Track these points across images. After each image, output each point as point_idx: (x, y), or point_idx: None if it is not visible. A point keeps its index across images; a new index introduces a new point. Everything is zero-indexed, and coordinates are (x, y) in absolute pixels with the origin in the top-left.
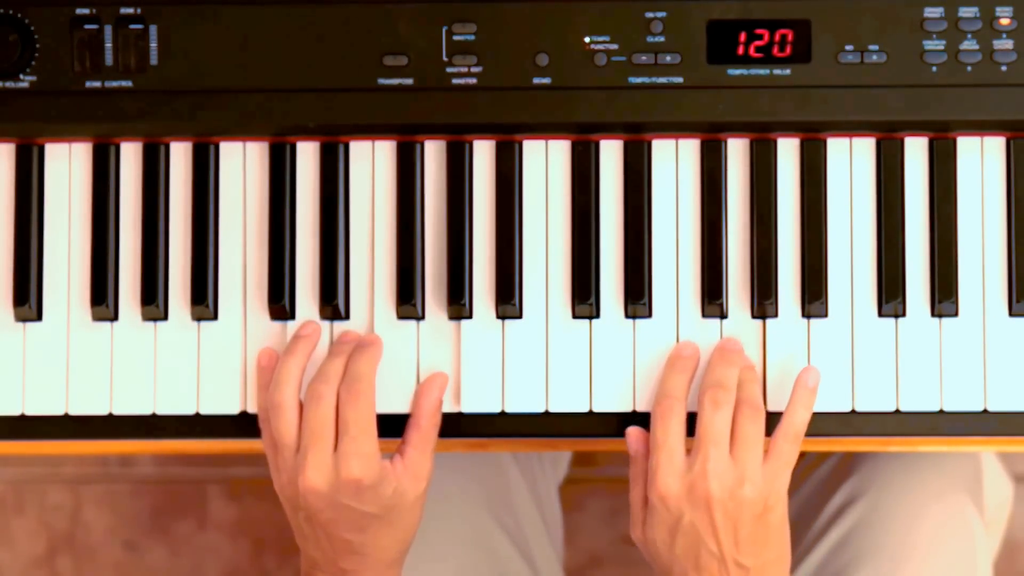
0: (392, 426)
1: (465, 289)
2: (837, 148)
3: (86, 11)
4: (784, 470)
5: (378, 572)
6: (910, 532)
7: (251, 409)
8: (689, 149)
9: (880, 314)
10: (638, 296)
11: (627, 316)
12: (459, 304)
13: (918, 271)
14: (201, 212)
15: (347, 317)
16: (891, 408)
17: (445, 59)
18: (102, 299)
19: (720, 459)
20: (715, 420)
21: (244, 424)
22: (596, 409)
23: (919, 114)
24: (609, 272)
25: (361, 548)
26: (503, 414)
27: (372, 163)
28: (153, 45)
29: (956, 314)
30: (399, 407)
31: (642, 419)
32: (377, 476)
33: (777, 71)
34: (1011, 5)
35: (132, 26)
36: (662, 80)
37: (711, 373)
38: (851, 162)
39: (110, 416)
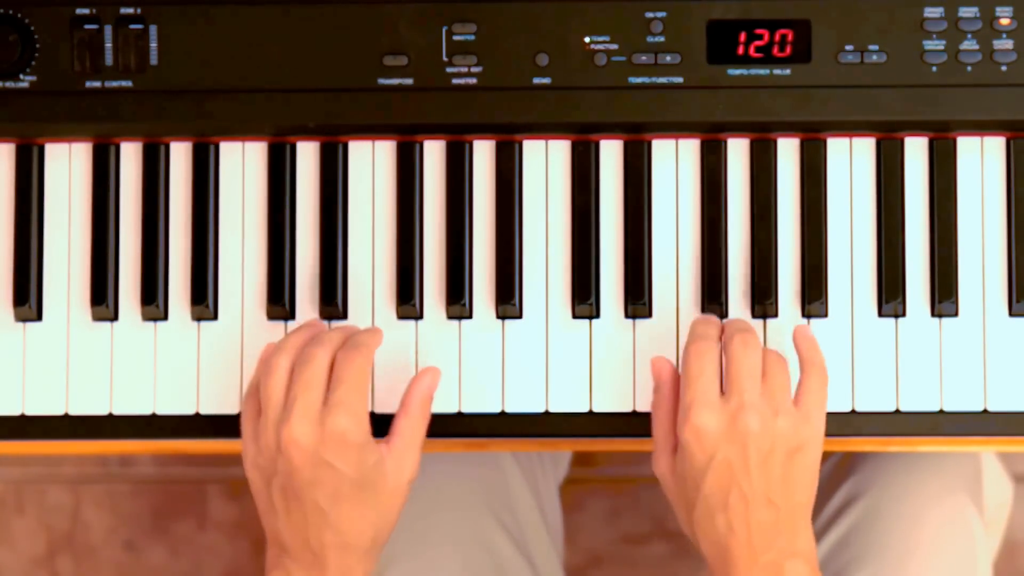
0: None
1: (465, 289)
2: (837, 148)
3: (86, 11)
4: (818, 411)
5: (349, 560)
6: (910, 532)
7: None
8: (689, 149)
9: (880, 314)
10: (638, 296)
11: (627, 316)
12: (459, 304)
13: (918, 271)
14: (201, 212)
15: (346, 317)
16: (891, 408)
17: (445, 59)
18: (102, 299)
19: (755, 394)
20: (747, 357)
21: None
22: (596, 409)
23: (919, 114)
24: (609, 272)
25: (336, 522)
26: (503, 414)
27: (372, 163)
28: (153, 45)
29: (956, 314)
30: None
31: (642, 419)
32: (364, 436)
33: (777, 71)
34: (1011, 5)
35: (132, 26)
36: (662, 80)
37: (731, 323)
38: (851, 162)
39: (110, 416)
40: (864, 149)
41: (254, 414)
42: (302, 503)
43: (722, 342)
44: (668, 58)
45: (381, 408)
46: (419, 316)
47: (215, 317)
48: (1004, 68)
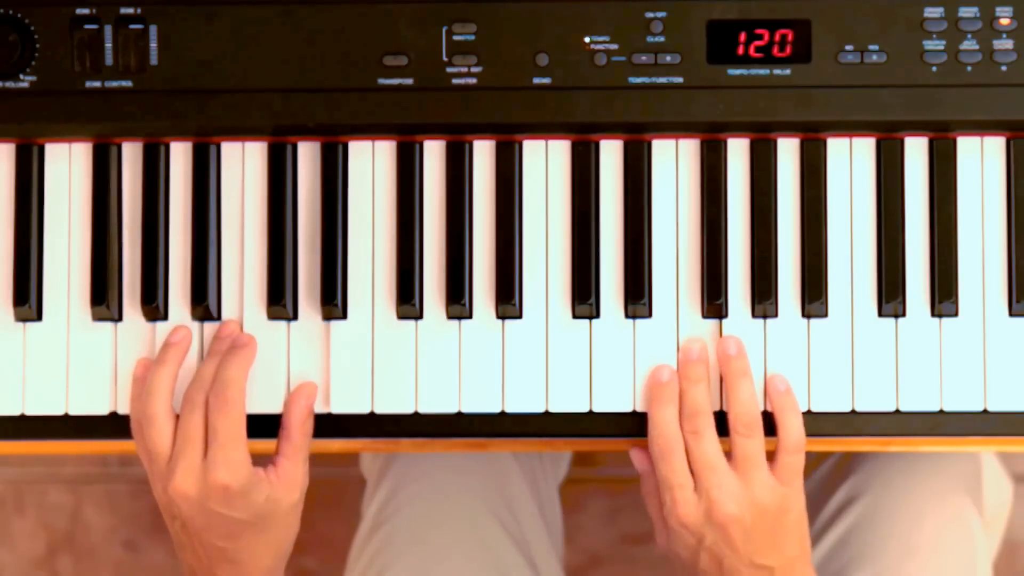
0: (391, 426)
1: (465, 289)
2: (837, 148)
3: (86, 11)
4: (794, 478)
5: None
6: (910, 532)
7: (248, 410)
8: (689, 149)
9: (880, 314)
10: (638, 296)
11: (627, 316)
12: (459, 304)
13: (918, 271)
14: (201, 212)
15: (346, 317)
16: (891, 408)
17: (445, 59)
18: (102, 299)
19: (723, 483)
20: (702, 449)
21: (247, 424)
22: (596, 409)
23: (919, 114)
24: (609, 272)
25: (235, 555)
26: (503, 414)
27: (372, 163)
28: (153, 45)
29: (956, 314)
30: (402, 407)
31: (642, 419)
32: (246, 483)
33: (777, 71)
34: (1011, 5)
35: (132, 26)
36: (662, 80)
37: (683, 399)
38: (851, 162)
39: (110, 416)
40: (864, 149)
41: (147, 454)
42: (202, 542)
43: (680, 420)
44: (668, 58)
45: (382, 408)
46: (419, 316)
47: (216, 317)
48: (1004, 68)
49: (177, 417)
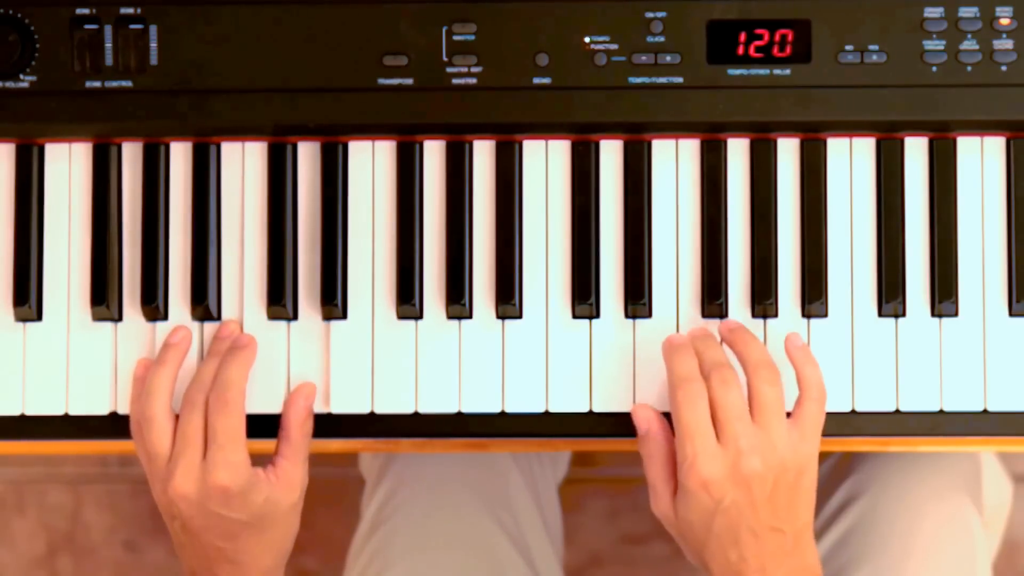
0: (391, 426)
1: (465, 289)
2: (837, 148)
3: (86, 11)
4: (813, 431)
5: None
6: (909, 532)
7: (248, 410)
8: (689, 149)
9: (880, 314)
10: (638, 296)
11: (627, 316)
12: (459, 304)
13: (918, 271)
14: (201, 212)
15: (346, 317)
16: (891, 408)
17: (445, 59)
18: (102, 299)
19: (750, 433)
20: (730, 397)
21: (247, 424)
22: (596, 409)
23: (919, 114)
24: (609, 272)
25: (234, 555)
26: (503, 414)
27: (372, 163)
28: (153, 45)
29: (956, 314)
30: (402, 407)
31: None
32: (245, 484)
33: (777, 71)
34: (1011, 5)
35: (132, 26)
36: (662, 80)
37: (704, 355)
38: (851, 162)
39: (110, 416)
40: (864, 149)
41: (146, 455)
42: (202, 543)
43: (703, 374)
44: (668, 58)
45: (382, 408)
46: (419, 316)
47: (216, 317)
48: (1004, 68)
49: (177, 418)
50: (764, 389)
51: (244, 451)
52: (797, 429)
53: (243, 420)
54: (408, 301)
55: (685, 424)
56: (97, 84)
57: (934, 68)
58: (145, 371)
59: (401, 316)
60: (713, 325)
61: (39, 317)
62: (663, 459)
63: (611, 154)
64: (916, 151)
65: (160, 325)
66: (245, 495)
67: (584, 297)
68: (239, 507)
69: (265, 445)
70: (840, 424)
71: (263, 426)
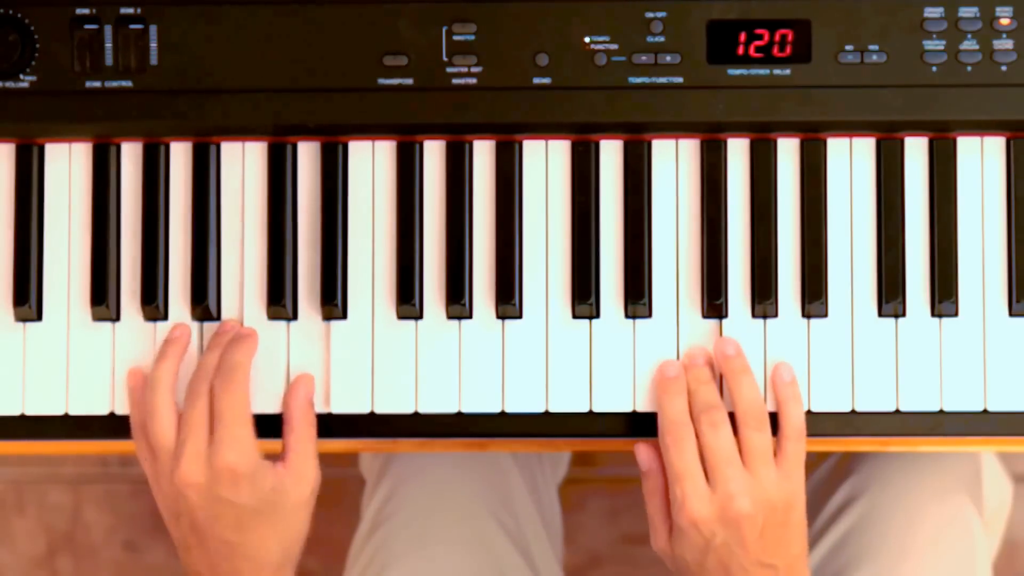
0: (391, 426)
1: (465, 289)
2: (837, 148)
3: (86, 11)
4: (797, 469)
5: None
6: (910, 532)
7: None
8: (689, 149)
9: (880, 314)
10: (638, 296)
11: (627, 316)
12: (459, 304)
13: (918, 271)
14: (201, 212)
15: (346, 317)
16: (891, 408)
17: (445, 59)
18: (102, 299)
19: (739, 477)
20: (719, 441)
21: None
22: (596, 409)
23: (919, 114)
24: (609, 272)
25: (242, 550)
26: (503, 414)
27: (372, 163)
28: (153, 45)
29: (956, 314)
30: (402, 407)
31: (642, 419)
32: (253, 464)
33: (777, 71)
34: (1011, 5)
35: (132, 26)
36: (662, 80)
37: (696, 397)
38: (851, 162)
39: (110, 416)
40: (864, 149)
41: (150, 456)
42: (209, 537)
43: (692, 417)
44: (668, 58)
45: (382, 408)
46: (419, 316)
47: (215, 317)
48: (1004, 68)
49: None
50: (752, 437)
51: (250, 430)
52: (782, 469)
53: (248, 401)
54: (408, 301)
55: (675, 467)
56: (97, 84)
57: (934, 68)
58: (138, 381)
59: (401, 316)
60: (713, 325)
61: (39, 317)
62: (661, 497)
63: (611, 154)
64: (916, 151)
65: (160, 325)
66: (253, 477)
67: (584, 297)
68: (247, 491)
69: (268, 446)
70: (840, 424)
71: (265, 426)
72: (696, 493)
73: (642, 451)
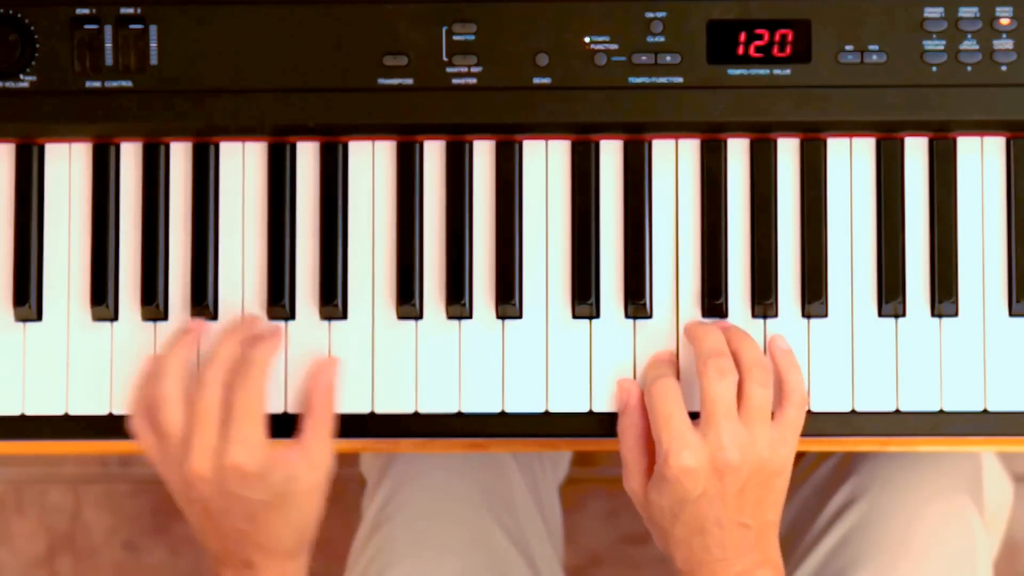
0: (391, 426)
1: (465, 289)
2: (837, 148)
3: (86, 11)
4: (793, 436)
5: (279, 563)
6: (910, 532)
7: None
8: (689, 149)
9: (880, 314)
10: (638, 296)
11: (627, 316)
12: (459, 304)
13: (918, 271)
14: (201, 212)
15: (346, 317)
16: (891, 408)
17: (445, 59)
18: (102, 299)
19: (734, 428)
20: (721, 389)
21: None
22: (596, 409)
23: (919, 114)
24: (609, 272)
25: (255, 537)
26: (503, 414)
27: (372, 163)
28: (153, 45)
29: (956, 314)
30: (402, 407)
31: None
32: (262, 464)
33: (777, 71)
34: (1011, 5)
35: (132, 26)
36: (662, 80)
37: (702, 343)
38: (851, 162)
39: (110, 416)
40: (864, 149)
41: (156, 444)
42: (222, 524)
43: (697, 363)
44: (668, 58)
45: (381, 408)
46: (419, 316)
47: (215, 317)
48: (1004, 68)
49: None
50: (756, 391)
51: (261, 429)
52: (778, 431)
53: (263, 399)
54: (408, 301)
55: (659, 417)
56: (97, 84)
57: (934, 68)
58: (151, 365)
59: (401, 316)
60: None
61: (39, 317)
62: (636, 435)
63: (611, 154)
64: (916, 151)
65: (160, 325)
66: (263, 475)
67: (584, 297)
68: (258, 487)
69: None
70: (840, 424)
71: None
72: (683, 439)
73: (623, 383)
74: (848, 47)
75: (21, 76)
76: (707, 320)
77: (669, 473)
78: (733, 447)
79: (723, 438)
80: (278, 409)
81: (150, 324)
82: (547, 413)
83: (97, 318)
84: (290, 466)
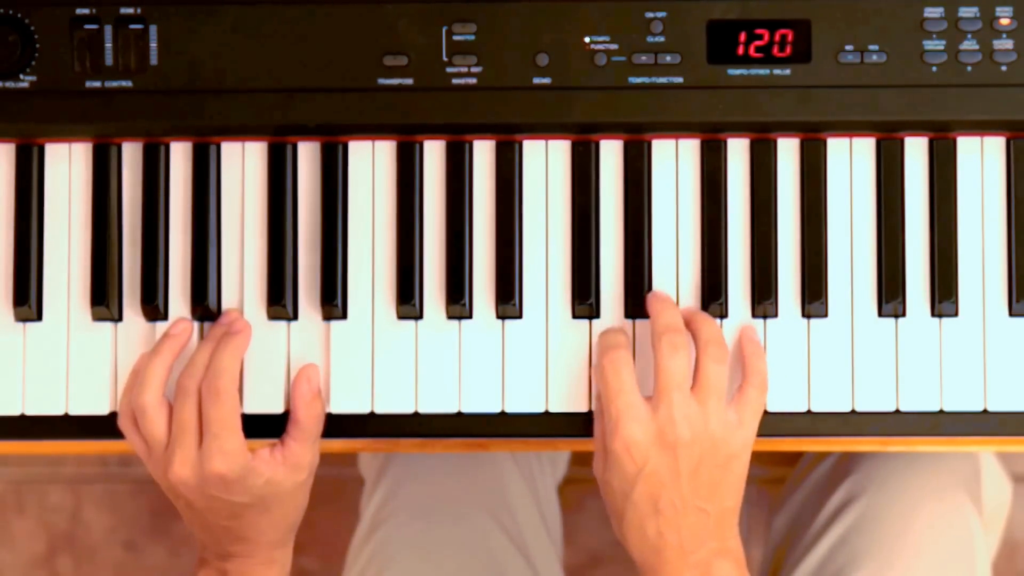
0: (391, 426)
1: (465, 289)
2: (837, 148)
3: (86, 11)
4: (753, 419)
5: (263, 554)
6: (909, 531)
7: (247, 409)
8: (689, 149)
9: (880, 314)
10: (638, 296)
11: (627, 316)
12: (459, 304)
13: (918, 271)
14: (201, 212)
15: (346, 317)
16: (891, 408)
17: (445, 59)
18: (102, 299)
19: (685, 402)
20: (674, 363)
21: (246, 425)
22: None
23: (919, 114)
24: (609, 272)
25: (239, 532)
26: (503, 414)
27: (372, 163)
28: (153, 45)
29: (956, 314)
30: (402, 407)
31: None
32: (241, 471)
33: (777, 71)
34: (1011, 5)
35: (132, 26)
36: (662, 80)
37: (658, 319)
38: (851, 162)
39: (110, 416)
40: (864, 149)
41: (143, 449)
42: (207, 520)
43: (652, 339)
44: (668, 58)
45: (381, 408)
46: (419, 316)
47: (215, 317)
48: (1004, 68)
49: (171, 407)
50: (710, 366)
51: (238, 438)
52: (735, 412)
53: (236, 407)
54: (408, 301)
55: (610, 388)
56: (97, 84)
57: (934, 68)
58: (139, 393)
59: (401, 316)
60: None
61: (39, 317)
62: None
63: (611, 154)
64: (916, 151)
65: (160, 325)
66: (244, 480)
67: (584, 297)
68: (239, 491)
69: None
70: (840, 424)
71: (265, 426)
72: (631, 411)
73: (596, 370)
74: (848, 47)
75: (21, 76)
76: (663, 294)
77: (615, 446)
78: (684, 422)
79: (674, 412)
80: (278, 409)
81: (150, 324)
82: (547, 413)
83: (97, 318)
84: (270, 471)
